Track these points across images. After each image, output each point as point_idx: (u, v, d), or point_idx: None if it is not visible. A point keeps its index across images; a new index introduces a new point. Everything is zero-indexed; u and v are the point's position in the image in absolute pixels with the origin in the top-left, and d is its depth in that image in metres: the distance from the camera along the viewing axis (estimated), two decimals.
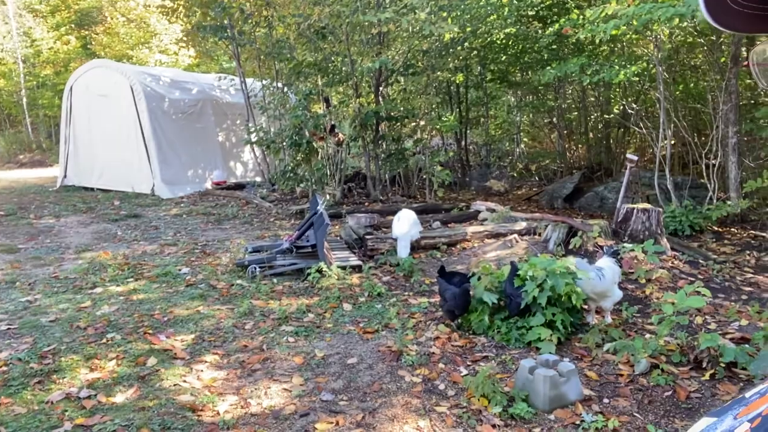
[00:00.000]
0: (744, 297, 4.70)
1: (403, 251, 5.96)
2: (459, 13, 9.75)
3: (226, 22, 10.61)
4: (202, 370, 3.52)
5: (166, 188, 10.74)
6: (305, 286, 5.26)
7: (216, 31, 10.68)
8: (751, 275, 5.45)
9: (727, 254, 6.42)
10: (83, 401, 3.08)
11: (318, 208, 5.96)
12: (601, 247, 5.13)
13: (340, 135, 9.78)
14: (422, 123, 10.87)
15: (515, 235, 6.17)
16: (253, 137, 10.53)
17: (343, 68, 9.86)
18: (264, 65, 11.58)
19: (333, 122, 10.25)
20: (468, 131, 13.51)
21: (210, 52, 16.83)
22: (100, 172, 11.60)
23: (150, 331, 4.07)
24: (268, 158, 11.67)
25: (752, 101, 9.33)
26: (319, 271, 5.30)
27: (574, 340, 3.89)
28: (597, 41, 8.24)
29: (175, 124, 11.29)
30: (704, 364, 3.29)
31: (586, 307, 4.08)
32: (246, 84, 11.38)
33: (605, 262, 4.11)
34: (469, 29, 10.79)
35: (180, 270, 5.70)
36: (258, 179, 12.27)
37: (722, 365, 3.24)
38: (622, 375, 3.38)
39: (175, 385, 3.30)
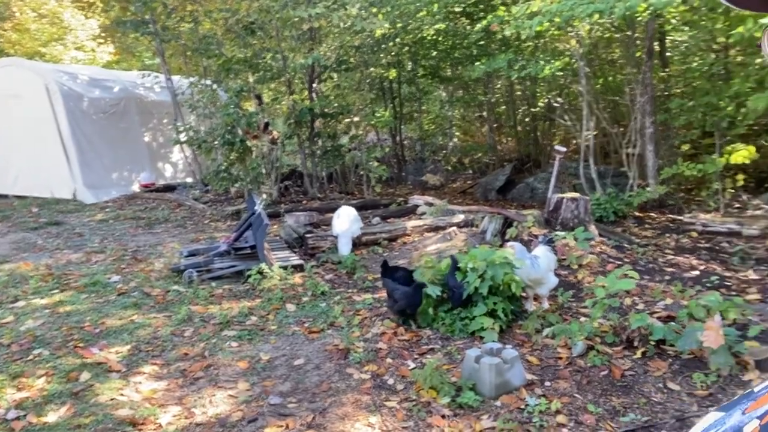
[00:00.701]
0: (667, 277, 5.02)
1: (345, 248, 5.94)
2: (389, 9, 9.81)
3: (147, 16, 10.13)
4: (140, 382, 3.36)
5: (89, 193, 10.16)
6: (246, 289, 5.14)
7: (137, 27, 10.19)
8: (672, 256, 5.83)
9: (648, 238, 6.84)
10: (11, 423, 2.87)
11: (256, 208, 5.83)
12: (536, 236, 5.33)
13: (275, 133, 9.61)
14: (357, 119, 10.87)
15: (454, 228, 6.30)
16: (183, 137, 10.14)
17: (275, 64, 9.68)
18: (191, 62, 11.17)
19: (266, 120, 10.05)
20: (402, 126, 13.63)
21: (131, 48, 16.05)
22: (14, 178, 10.82)
23: (81, 345, 3.84)
24: (200, 158, 11.29)
25: (666, 93, 9.97)
26: (260, 272, 5.19)
27: (514, 328, 4.01)
28: (523, 37, 8.52)
29: (97, 125, 10.69)
30: (635, 343, 3.49)
31: (524, 294, 4.22)
32: (172, 81, 10.94)
33: (541, 251, 4.27)
34: (399, 25, 10.88)
35: (110, 278, 5.42)
36: (189, 180, 11.84)
37: (652, 343, 3.44)
38: (561, 358, 3.52)
39: (112, 399, 3.14)
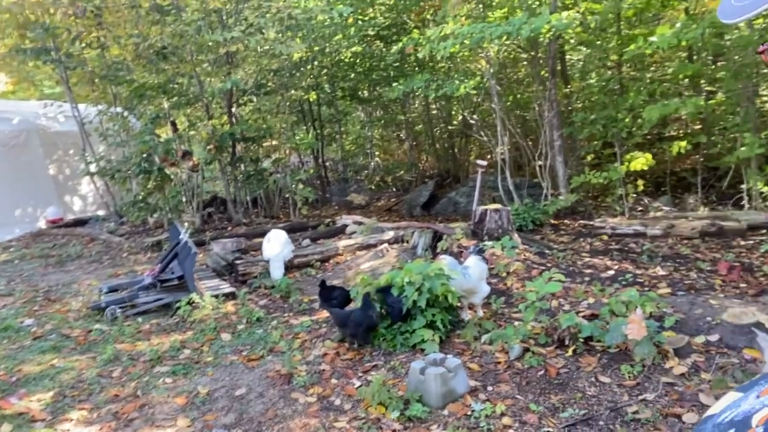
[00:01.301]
0: (587, 278, 5.36)
1: (277, 272, 5.85)
2: (306, 33, 9.90)
3: (50, 44, 9.58)
4: (68, 430, 3.13)
5: None
6: (176, 322, 4.93)
7: (38, 54, 9.60)
8: (588, 259, 6.22)
9: (565, 243, 7.26)
10: None
11: (181, 236, 5.63)
12: (465, 248, 5.52)
13: (195, 159, 9.33)
14: (277, 142, 10.79)
15: (385, 245, 6.39)
16: (93, 167, 9.62)
17: (191, 89, 9.44)
18: (98, 89, 10.65)
19: (186, 149, 9.76)
20: (324, 148, 13.68)
21: (30, 76, 15.05)
22: None
23: None
24: (113, 189, 10.73)
25: (569, 108, 10.70)
26: (190, 303, 5.00)
27: (453, 337, 4.12)
28: (438, 58, 8.87)
29: None
30: (566, 342, 3.69)
31: (459, 304, 4.35)
32: (78, 110, 10.37)
33: (472, 261, 4.43)
34: (317, 48, 11.00)
35: (22, 322, 5.01)
36: (102, 213, 11.20)
37: (581, 340, 3.66)
38: (499, 362, 3.65)
39: None
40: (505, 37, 7.42)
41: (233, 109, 9.90)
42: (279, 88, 10.32)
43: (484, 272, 4.47)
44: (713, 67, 10.01)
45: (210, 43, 8.48)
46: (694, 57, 9.98)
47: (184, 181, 9.26)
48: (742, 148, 7.47)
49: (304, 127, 12.93)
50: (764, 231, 6.83)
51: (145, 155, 8.45)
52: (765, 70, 8.94)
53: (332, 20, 9.47)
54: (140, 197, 8.98)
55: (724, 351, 3.46)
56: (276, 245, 5.95)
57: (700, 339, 3.59)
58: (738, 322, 3.54)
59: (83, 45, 9.68)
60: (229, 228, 9.37)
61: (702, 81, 9.93)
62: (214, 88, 8.65)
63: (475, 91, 9.17)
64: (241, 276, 6.02)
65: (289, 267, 6.21)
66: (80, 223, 10.48)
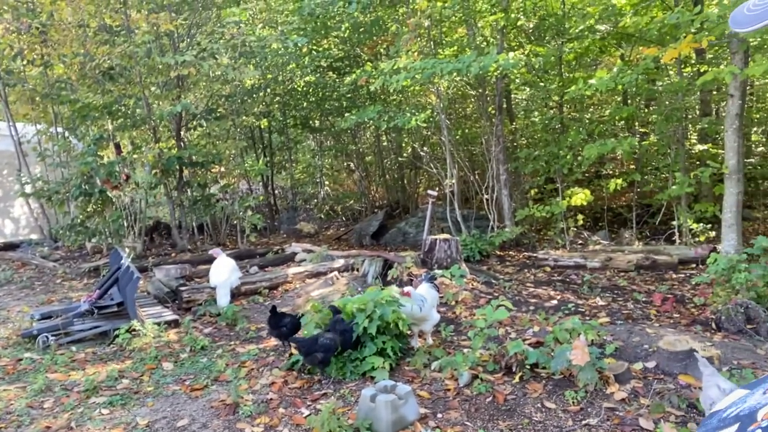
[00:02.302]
0: (532, 308, 5.51)
1: (224, 299, 5.71)
2: (260, 60, 9.93)
3: None
4: None
5: None
6: (114, 350, 4.71)
7: None
8: (533, 289, 6.41)
9: (510, 273, 7.45)
10: None
11: (122, 261, 5.43)
12: (416, 276, 5.57)
13: (125, 173, 9.01)
14: (226, 168, 10.64)
15: (335, 273, 6.36)
16: (28, 188, 9.17)
17: (138, 111, 9.23)
18: (39, 108, 10.24)
19: (127, 170, 9.46)
20: (274, 175, 13.59)
21: None
22: None
23: None
24: (49, 211, 10.23)
25: (515, 144, 11.12)
26: (130, 330, 4.79)
27: (403, 365, 4.12)
28: (391, 91, 9.08)
29: None
30: (514, 369, 3.76)
31: (410, 332, 4.37)
32: (16, 129, 9.91)
33: (424, 289, 4.48)
34: (270, 76, 11.03)
35: None
36: (35, 237, 10.63)
37: (528, 367, 3.74)
38: (449, 389, 3.68)
39: None
40: (455, 74, 7.71)
41: (182, 133, 9.73)
42: (230, 113, 10.24)
43: (435, 300, 4.52)
44: (646, 110, 10.71)
45: (160, 66, 8.36)
46: (629, 101, 10.65)
47: (126, 204, 8.95)
48: (673, 187, 7.96)
49: (255, 154, 12.83)
50: (694, 265, 7.26)
51: (86, 177, 8.13)
52: (692, 116, 9.65)
53: (287, 49, 9.55)
54: (78, 221, 8.60)
55: (660, 377, 3.62)
56: (223, 272, 5.81)
57: (638, 365, 3.75)
58: (673, 349, 3.72)
59: (25, 62, 9.33)
60: (173, 254, 9.09)
61: (636, 123, 10.59)
62: (162, 110, 8.49)
63: (425, 125, 9.42)
64: (185, 303, 5.83)
65: (236, 294, 6.07)
66: (11, 247, 9.90)
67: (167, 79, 8.84)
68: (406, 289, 4.27)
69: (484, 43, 9.59)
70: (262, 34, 9.72)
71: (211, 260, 6.21)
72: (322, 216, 13.53)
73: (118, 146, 10.04)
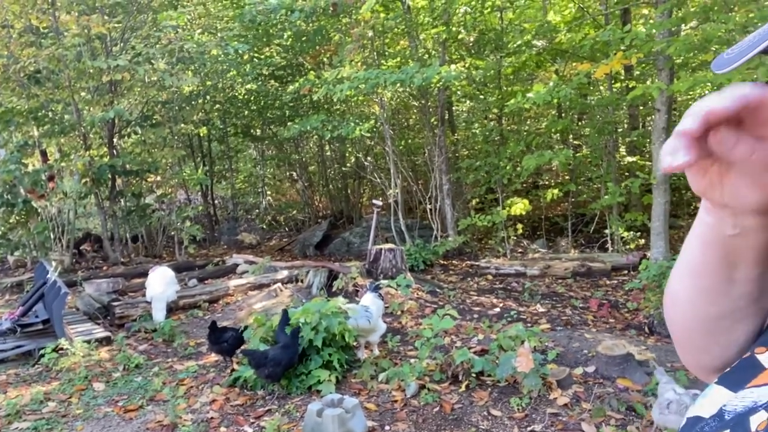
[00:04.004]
0: (476, 316, 5.58)
1: (160, 314, 5.46)
2: (199, 67, 9.65)
3: None
4: None
5: None
6: (39, 371, 4.39)
7: None
8: (476, 297, 6.50)
9: (454, 282, 7.54)
10: None
11: (49, 276, 5.09)
12: (361, 287, 5.53)
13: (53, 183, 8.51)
14: (162, 177, 10.25)
15: (279, 284, 6.22)
16: None
17: (67, 117, 8.75)
18: None
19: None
20: (214, 185, 13.21)
21: None
22: None
23: None
24: None
25: (457, 154, 11.33)
26: (57, 350, 4.49)
27: (350, 377, 4.06)
28: (334, 100, 9.04)
29: None
30: (460, 378, 3.78)
31: (356, 343, 4.32)
32: None
33: (369, 299, 4.44)
34: (209, 83, 10.75)
35: None
36: None
37: (474, 375, 3.77)
38: (396, 401, 3.65)
39: None
40: (398, 85, 7.77)
41: (115, 141, 9.29)
42: (167, 120, 9.88)
43: (381, 310, 4.49)
44: (579, 123, 11.18)
45: (91, 70, 7.96)
46: (563, 114, 11.09)
47: (53, 215, 8.43)
48: (606, 197, 8.32)
49: (193, 163, 12.44)
50: (626, 271, 7.59)
51: (8, 186, 7.61)
52: (622, 129, 10.16)
53: (227, 56, 9.33)
54: (0, 233, 8.03)
55: (600, 381, 3.73)
56: (159, 285, 5.56)
57: (579, 370, 3.86)
58: (611, 353, 3.85)
59: None
60: (105, 268, 8.63)
61: (570, 135, 11.03)
62: (94, 117, 8.08)
63: (369, 135, 9.43)
64: (118, 319, 5.53)
65: (174, 308, 5.83)
66: None
67: (99, 83, 8.43)
68: (350, 305, 4.22)
69: (427, 56, 9.74)
70: (201, 39, 9.44)
71: (146, 273, 5.94)
72: (265, 226, 13.26)
73: (44, 153, 9.47)
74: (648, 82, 7.29)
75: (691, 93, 9.29)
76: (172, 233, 9.56)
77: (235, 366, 4.20)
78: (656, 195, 6.87)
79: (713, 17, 6.34)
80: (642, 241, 8.47)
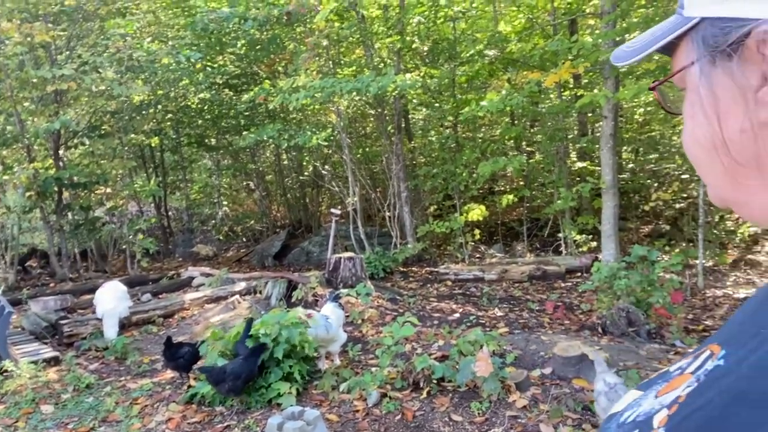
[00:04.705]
0: (436, 322, 5.62)
1: (112, 331, 5.27)
2: (149, 75, 9.42)
3: None
4: None
5: None
6: None
7: None
8: (436, 303, 6.55)
9: (414, 289, 7.58)
10: None
11: None
12: (321, 296, 5.49)
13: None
14: (110, 190, 9.92)
15: (236, 297, 6.11)
16: None
17: (9, 128, 8.38)
18: None
19: None
20: (167, 196, 12.88)
21: None
22: None
23: None
24: None
25: (414, 162, 11.43)
26: (1, 372, 4.27)
27: (311, 388, 4.02)
28: (290, 109, 8.99)
29: None
30: (421, 384, 3.80)
31: (316, 354, 4.28)
32: None
33: (329, 309, 4.41)
34: (161, 92, 10.50)
35: None
36: None
37: (434, 382, 3.79)
38: (358, 410, 3.63)
39: None
40: (355, 93, 7.79)
41: (61, 152, 8.95)
42: (117, 131, 9.58)
43: (341, 319, 4.47)
44: (531, 130, 11.47)
45: (35, 80, 7.65)
46: (516, 121, 11.36)
47: None
48: (558, 202, 8.54)
49: (145, 174, 12.10)
50: (579, 274, 7.81)
51: None
52: (572, 135, 10.48)
53: (179, 64, 9.14)
54: None
55: (557, 382, 3.82)
56: (110, 300, 5.37)
57: (536, 372, 3.94)
58: (566, 355, 3.94)
59: None
60: (52, 285, 8.28)
61: (523, 142, 11.30)
62: (38, 128, 7.76)
63: (326, 143, 9.41)
64: (66, 338, 5.31)
65: (127, 325, 5.64)
66: None
67: (43, 93, 8.11)
68: (309, 311, 4.19)
69: (382, 64, 9.81)
70: (151, 48, 9.22)
71: (96, 289, 5.72)
72: (221, 237, 13.00)
73: None
74: (595, 91, 7.56)
75: (636, 100, 9.70)
76: (124, 247, 9.26)
77: (192, 382, 4.10)
78: (606, 199, 7.11)
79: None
80: (594, 244, 8.73)
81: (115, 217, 9.58)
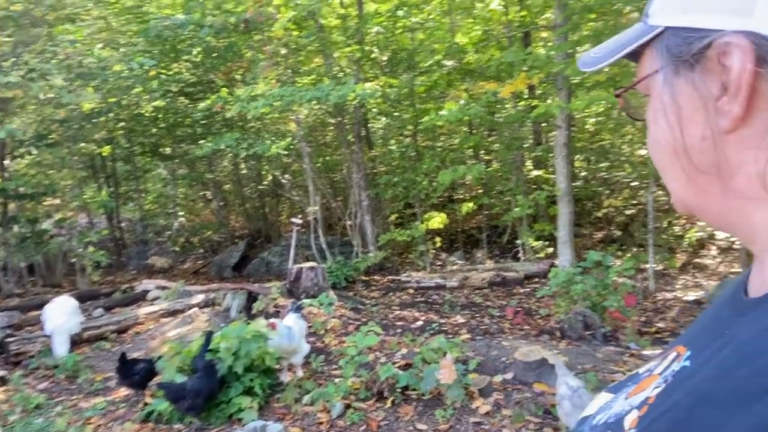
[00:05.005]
0: (399, 330, 5.63)
1: (62, 348, 5.05)
2: (100, 83, 9.13)
3: None
4: None
5: None
6: None
7: None
8: (399, 311, 6.57)
9: (376, 298, 7.58)
10: None
11: None
12: (282, 308, 5.41)
13: None
14: (58, 201, 9.55)
15: (194, 310, 5.95)
16: None
17: None
18: None
19: None
20: (120, 207, 12.48)
21: None
22: None
23: None
24: None
25: (374, 171, 11.45)
26: None
27: (273, 402, 3.95)
28: (249, 117, 8.87)
29: None
30: (385, 394, 3.79)
31: (278, 366, 4.21)
32: None
33: (291, 319, 4.36)
34: (113, 100, 10.20)
35: None
36: None
37: (399, 391, 3.79)
38: (322, 423, 3.59)
39: None
40: (314, 102, 7.77)
41: (6, 162, 8.56)
42: (66, 140, 9.24)
43: (304, 330, 4.42)
44: (489, 139, 11.69)
45: None
46: (474, 130, 11.56)
47: None
48: (516, 209, 8.72)
49: (96, 184, 11.69)
50: (537, 279, 7.97)
51: None
52: (528, 144, 10.74)
53: (131, 71, 8.88)
54: None
55: (518, 387, 3.88)
56: (60, 316, 5.14)
57: (498, 378, 3.98)
58: (527, 359, 4.01)
59: None
60: None
61: (481, 151, 11.50)
62: None
63: (286, 152, 9.33)
64: (13, 356, 5.06)
65: (78, 341, 5.41)
66: None
67: None
68: (272, 320, 4.12)
69: (341, 73, 9.82)
70: (102, 54, 8.94)
71: (44, 305, 5.47)
72: (177, 249, 12.67)
73: None
74: (549, 101, 7.77)
75: (587, 111, 10.02)
76: (74, 260, 8.91)
77: (148, 399, 3.96)
78: (561, 206, 7.30)
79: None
80: (550, 250, 8.94)
81: (64, 229, 9.20)
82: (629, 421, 0.48)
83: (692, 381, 0.45)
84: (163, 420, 3.71)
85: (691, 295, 6.98)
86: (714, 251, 9.22)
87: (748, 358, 0.41)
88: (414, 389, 3.81)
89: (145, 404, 3.89)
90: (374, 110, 11.81)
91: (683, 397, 0.44)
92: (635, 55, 0.54)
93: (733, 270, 8.24)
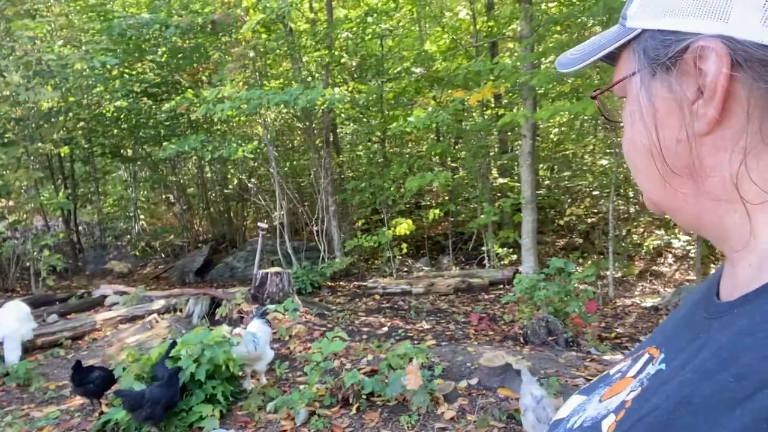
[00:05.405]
0: (365, 336, 5.60)
1: (13, 355, 4.84)
2: (60, 81, 8.85)
3: None
4: None
5: None
6: None
7: None
8: (365, 317, 6.54)
9: (342, 304, 7.54)
10: None
11: None
12: (247, 313, 5.33)
13: None
14: (12, 203, 9.18)
15: (154, 315, 5.80)
16: None
17: None
18: None
19: None
20: (77, 210, 12.09)
21: None
22: None
23: None
24: None
25: (342, 176, 11.42)
26: None
27: (235, 410, 3.87)
28: (215, 120, 8.74)
29: None
30: (351, 400, 3.76)
31: (242, 373, 4.14)
32: None
33: (256, 325, 4.29)
34: (72, 99, 9.91)
35: None
36: None
37: (364, 397, 3.77)
38: (286, 430, 3.53)
39: None
40: (282, 105, 7.70)
41: None
42: (22, 139, 8.89)
43: (268, 336, 4.35)
44: (456, 147, 11.81)
45: None
46: (441, 138, 11.66)
47: None
48: (482, 216, 8.83)
49: (53, 186, 11.30)
50: (502, 286, 8.07)
51: None
52: (494, 152, 10.89)
53: (93, 70, 8.64)
54: None
55: (483, 392, 3.90)
56: (11, 322, 4.94)
57: (463, 383, 4.00)
58: (491, 365, 4.04)
59: None
60: None
61: (448, 158, 11.60)
62: None
63: (252, 156, 9.21)
64: None
65: (30, 348, 5.20)
66: None
67: None
68: (236, 330, 4.04)
69: (310, 78, 9.77)
70: (62, 52, 8.67)
71: None
72: (137, 253, 12.33)
73: None
74: (515, 110, 7.91)
75: (552, 120, 10.25)
76: (28, 264, 8.57)
77: (105, 408, 3.83)
78: (525, 214, 7.42)
79: None
80: (515, 257, 9.07)
81: (18, 231, 8.85)
82: (607, 425, 0.48)
83: (671, 385, 0.45)
84: (120, 429, 3.58)
85: (649, 302, 7.18)
86: (671, 259, 9.52)
87: (726, 362, 0.41)
88: (379, 395, 3.79)
89: (101, 413, 3.75)
90: (343, 115, 11.79)
91: (663, 401, 0.44)
92: (612, 57, 0.54)
93: (688, 278, 8.52)
